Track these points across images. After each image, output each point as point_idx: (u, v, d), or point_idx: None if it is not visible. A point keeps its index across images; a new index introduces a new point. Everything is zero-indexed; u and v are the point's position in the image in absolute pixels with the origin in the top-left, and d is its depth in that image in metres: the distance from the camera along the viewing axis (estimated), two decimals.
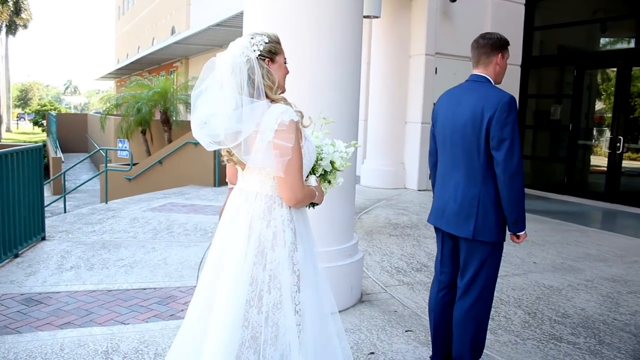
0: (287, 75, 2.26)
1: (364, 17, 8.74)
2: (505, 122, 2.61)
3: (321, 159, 2.29)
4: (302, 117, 2.15)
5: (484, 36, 2.85)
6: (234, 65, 2.06)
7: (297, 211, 2.19)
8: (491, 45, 2.81)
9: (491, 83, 2.79)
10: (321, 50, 3.80)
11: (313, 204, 2.30)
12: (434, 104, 3.08)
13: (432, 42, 9.49)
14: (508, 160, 2.61)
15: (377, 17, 8.86)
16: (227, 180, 2.39)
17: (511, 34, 10.28)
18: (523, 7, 10.59)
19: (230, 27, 16.56)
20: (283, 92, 2.20)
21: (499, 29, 9.78)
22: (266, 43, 2.13)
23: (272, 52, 2.14)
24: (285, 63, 2.22)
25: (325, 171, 2.34)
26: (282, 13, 3.78)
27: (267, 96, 2.09)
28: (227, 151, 2.16)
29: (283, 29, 3.75)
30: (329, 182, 2.34)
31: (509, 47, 2.87)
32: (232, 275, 2.09)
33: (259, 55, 2.10)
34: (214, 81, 2.08)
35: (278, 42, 2.20)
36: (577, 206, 9.14)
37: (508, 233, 2.82)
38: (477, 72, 2.83)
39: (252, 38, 2.13)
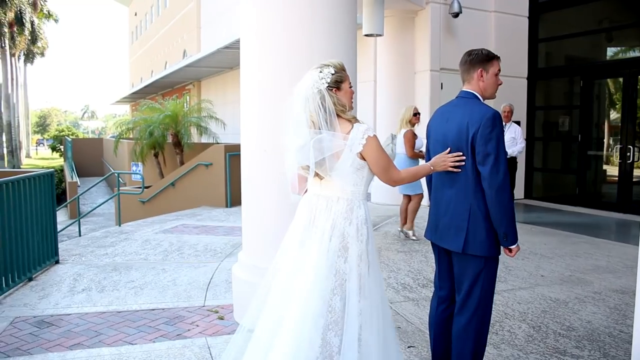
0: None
1: (367, 35, 8.93)
2: (489, 138, 2.64)
3: None
4: None
5: (469, 53, 2.90)
6: (307, 96, 2.52)
7: (368, 211, 2.63)
8: (470, 61, 2.87)
9: (478, 99, 2.83)
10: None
11: None
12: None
13: (437, 58, 9.60)
14: (493, 175, 2.64)
15: (380, 35, 8.98)
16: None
17: (516, 46, 10.39)
18: (527, 20, 10.67)
19: (239, 49, 16.81)
20: (351, 109, 2.65)
21: (502, 42, 9.98)
22: (332, 74, 2.56)
23: (337, 82, 2.58)
24: (350, 87, 2.65)
25: None
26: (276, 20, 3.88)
27: (339, 116, 2.54)
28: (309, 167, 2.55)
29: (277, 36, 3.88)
30: None
31: (494, 61, 2.87)
32: (317, 269, 2.49)
33: (327, 86, 2.53)
34: (293, 119, 2.54)
35: (343, 69, 2.63)
36: (588, 217, 9.08)
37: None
38: (464, 88, 2.90)
39: (320, 71, 2.56)
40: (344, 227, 2.54)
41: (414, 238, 6.92)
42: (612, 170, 9.76)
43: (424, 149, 6.89)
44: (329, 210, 2.57)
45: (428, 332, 3.88)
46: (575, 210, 9.76)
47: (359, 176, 2.58)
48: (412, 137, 6.76)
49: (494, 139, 2.64)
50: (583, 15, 10.36)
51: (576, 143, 10.19)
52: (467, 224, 2.76)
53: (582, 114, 10.07)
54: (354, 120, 2.57)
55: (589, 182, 10.25)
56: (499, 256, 2.84)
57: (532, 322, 4.18)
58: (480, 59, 2.85)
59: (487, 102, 2.91)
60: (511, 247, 2.74)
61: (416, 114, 6.85)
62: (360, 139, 2.51)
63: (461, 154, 2.74)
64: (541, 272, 5.53)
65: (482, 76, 2.85)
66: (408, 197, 7.08)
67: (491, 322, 2.97)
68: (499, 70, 2.90)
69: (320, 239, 2.54)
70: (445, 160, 2.76)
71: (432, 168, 2.78)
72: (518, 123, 8.54)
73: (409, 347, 3.71)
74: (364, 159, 2.55)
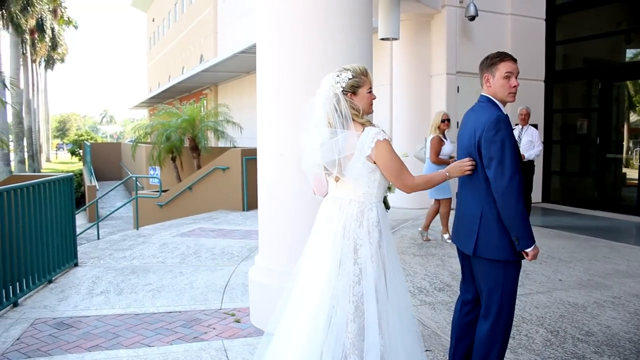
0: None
1: (383, 39, 8.93)
2: (492, 141, 2.64)
3: None
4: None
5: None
6: (324, 99, 2.57)
7: (382, 214, 2.63)
8: (479, 67, 2.88)
9: (492, 103, 2.81)
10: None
11: (387, 207, 2.81)
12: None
13: (453, 61, 9.57)
14: (498, 178, 2.63)
15: (395, 39, 8.97)
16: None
17: (532, 49, 10.31)
18: (544, 22, 10.58)
19: (255, 54, 16.90)
20: (369, 113, 2.68)
21: (519, 45, 9.92)
22: (350, 79, 2.59)
23: (354, 86, 2.61)
24: (369, 92, 2.65)
25: None
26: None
27: (354, 120, 2.57)
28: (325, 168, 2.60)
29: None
30: (389, 188, 2.78)
31: (500, 65, 2.79)
32: (330, 269, 2.53)
33: (342, 90, 2.57)
34: (312, 120, 2.59)
35: (363, 74, 2.64)
36: (607, 221, 8.96)
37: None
38: (481, 92, 2.90)
39: (338, 75, 2.60)
40: (354, 229, 2.57)
41: (449, 242, 6.93)
42: (632, 174, 9.62)
43: (455, 154, 6.95)
44: (341, 212, 2.61)
45: (444, 336, 3.90)
46: (593, 213, 9.63)
47: (370, 179, 2.59)
48: (437, 143, 6.83)
49: (497, 142, 2.63)
50: (601, 16, 10.25)
51: (595, 146, 10.07)
52: (478, 227, 2.76)
53: (601, 116, 9.96)
54: (367, 123, 2.59)
55: (608, 186, 10.12)
56: (521, 261, 2.81)
57: (550, 326, 4.14)
58: (485, 65, 2.84)
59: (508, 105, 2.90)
60: (526, 250, 2.71)
61: (444, 120, 6.89)
62: (369, 143, 2.53)
63: (474, 159, 2.76)
64: (559, 277, 5.48)
65: (488, 81, 2.82)
66: (438, 201, 7.10)
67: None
68: (509, 71, 2.78)
69: (332, 240, 2.57)
70: (462, 166, 2.76)
71: (447, 174, 2.78)
72: (535, 126, 8.47)
73: (425, 350, 3.69)
74: (374, 162, 2.56)
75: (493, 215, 2.72)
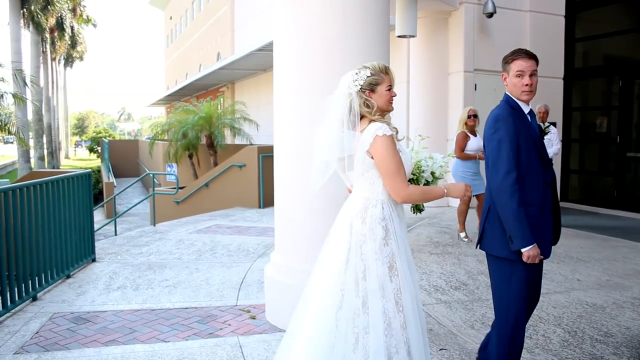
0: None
1: (400, 36, 8.88)
2: (490, 139, 2.67)
3: (423, 171, 2.76)
4: (397, 132, 2.61)
5: None
6: (341, 98, 2.57)
7: (391, 211, 2.57)
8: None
9: (509, 101, 2.78)
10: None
11: (420, 210, 2.87)
12: None
13: (471, 59, 9.48)
14: (492, 176, 2.66)
15: (412, 36, 8.92)
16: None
17: (551, 46, 10.17)
18: (563, 19, 10.44)
19: (272, 52, 16.91)
20: (387, 112, 2.63)
21: (538, 42, 9.79)
22: (368, 77, 2.57)
23: (372, 84, 2.57)
24: (388, 89, 2.60)
25: (427, 181, 3.01)
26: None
27: (365, 117, 2.57)
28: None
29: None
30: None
31: (513, 63, 2.75)
32: (337, 265, 2.55)
33: (359, 89, 2.56)
34: (326, 118, 2.60)
35: (382, 72, 2.60)
36: (628, 221, 8.82)
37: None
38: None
39: (356, 73, 2.59)
40: (358, 225, 2.56)
41: (465, 240, 6.86)
42: None
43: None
44: (350, 208, 2.63)
45: (460, 335, 3.90)
46: (613, 213, 9.49)
47: (374, 175, 2.56)
48: (461, 139, 6.82)
49: (494, 140, 2.65)
50: (622, 13, 10.08)
51: (615, 144, 9.92)
52: (484, 222, 2.81)
53: (621, 114, 9.79)
54: (378, 119, 2.57)
55: (628, 185, 9.95)
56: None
57: (568, 327, 4.09)
58: (503, 63, 2.83)
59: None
60: (522, 250, 2.64)
61: (471, 116, 6.85)
62: (369, 138, 2.51)
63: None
64: (577, 276, 5.41)
65: (505, 79, 2.82)
66: (475, 198, 7.01)
67: (525, 326, 2.91)
68: (521, 70, 2.72)
69: (341, 236, 2.59)
70: (464, 190, 2.65)
71: (445, 192, 2.65)
72: (554, 124, 8.37)
73: (440, 349, 3.68)
74: (373, 158, 2.54)
75: (496, 212, 2.72)
